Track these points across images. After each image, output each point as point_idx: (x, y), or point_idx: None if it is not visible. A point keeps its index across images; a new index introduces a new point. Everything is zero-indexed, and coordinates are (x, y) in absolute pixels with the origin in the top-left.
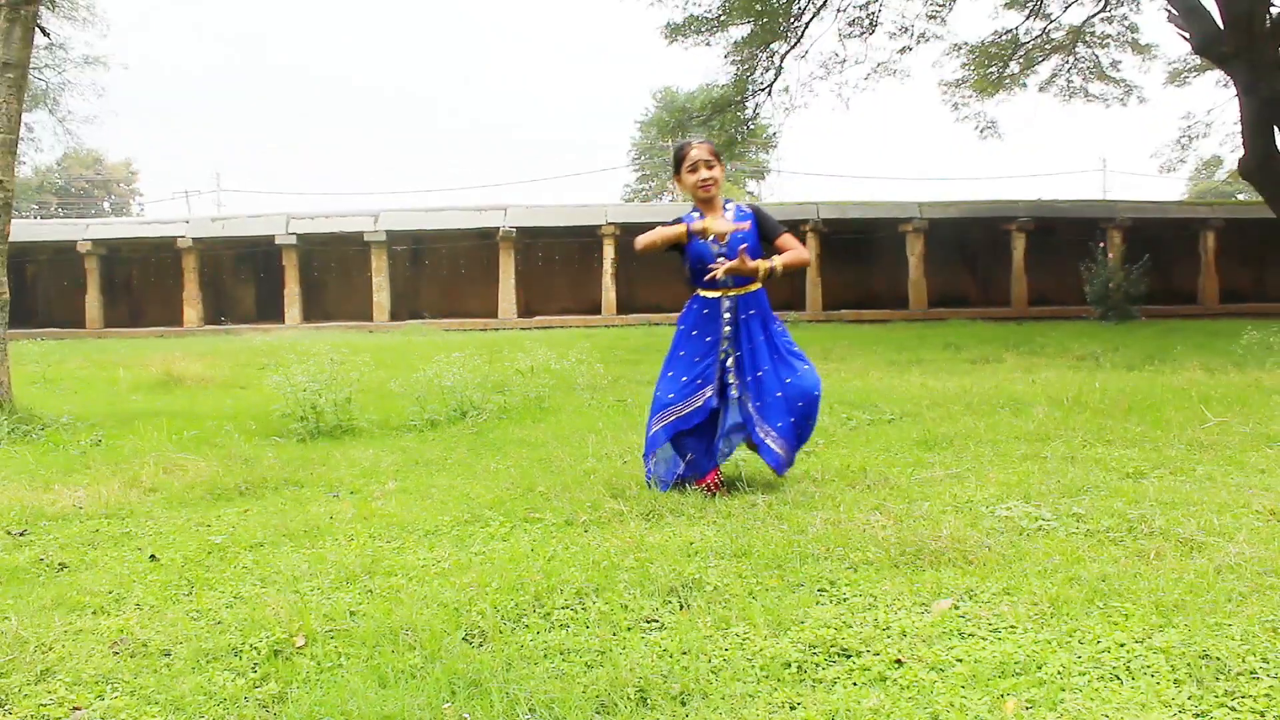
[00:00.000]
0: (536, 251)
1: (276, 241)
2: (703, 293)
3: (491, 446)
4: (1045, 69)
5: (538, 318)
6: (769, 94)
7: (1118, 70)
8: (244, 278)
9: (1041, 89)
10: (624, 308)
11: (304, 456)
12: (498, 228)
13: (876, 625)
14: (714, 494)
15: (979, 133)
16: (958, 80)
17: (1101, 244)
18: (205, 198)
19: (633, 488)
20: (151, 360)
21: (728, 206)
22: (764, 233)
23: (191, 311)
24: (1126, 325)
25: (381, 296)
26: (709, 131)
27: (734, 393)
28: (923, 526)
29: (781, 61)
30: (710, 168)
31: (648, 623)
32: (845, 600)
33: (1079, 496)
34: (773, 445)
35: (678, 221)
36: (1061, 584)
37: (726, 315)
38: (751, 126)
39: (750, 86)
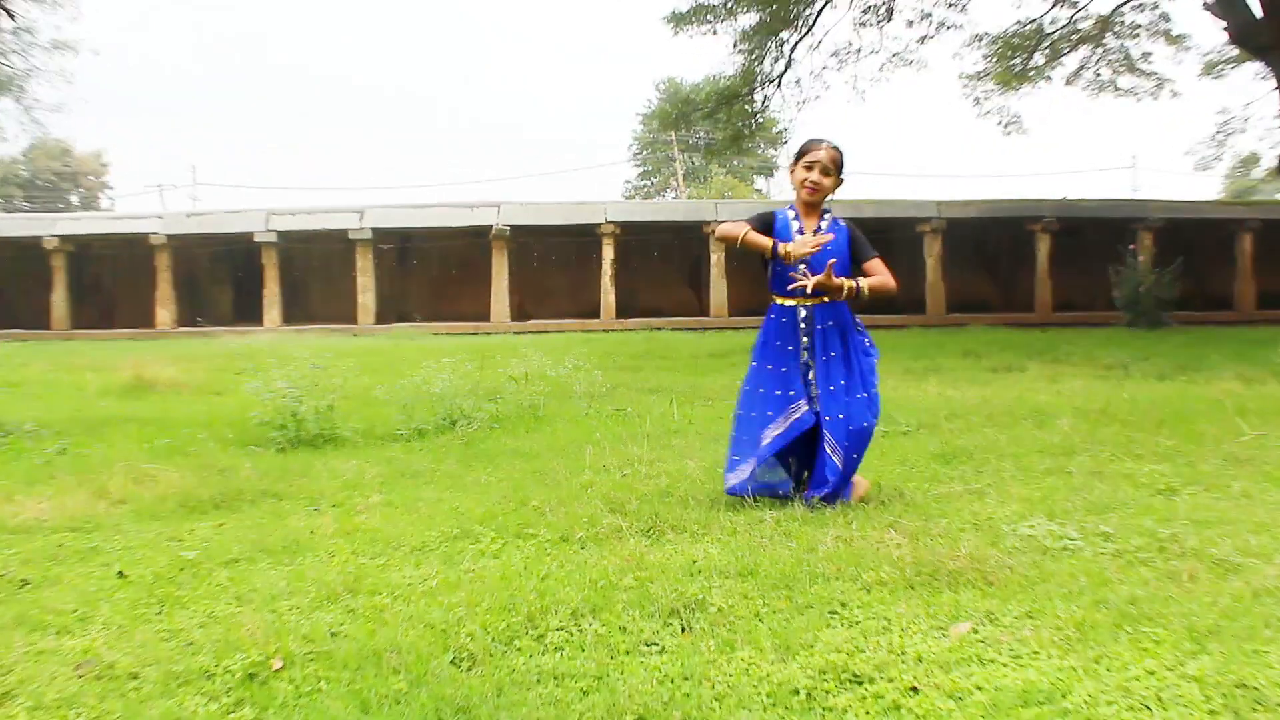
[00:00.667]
0: (531, 251)
1: (256, 239)
2: (780, 300)
3: (482, 457)
4: (1072, 61)
5: (532, 321)
6: (779, 85)
7: (1149, 62)
8: (221, 277)
9: (1068, 82)
10: (624, 311)
11: (283, 467)
12: (491, 226)
13: (891, 650)
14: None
15: (1002, 128)
16: (979, 73)
17: (1131, 246)
18: (180, 192)
19: (632, 502)
20: (122, 364)
21: (825, 217)
22: (855, 253)
23: (165, 312)
24: (1157, 332)
25: (367, 298)
26: (715, 124)
27: (816, 406)
28: (940, 545)
29: (792, 51)
30: (826, 174)
31: (647, 646)
32: (857, 623)
33: (1107, 514)
34: (836, 461)
35: (770, 220)
36: (1088, 607)
37: (803, 325)
38: (760, 120)
39: (759, 77)
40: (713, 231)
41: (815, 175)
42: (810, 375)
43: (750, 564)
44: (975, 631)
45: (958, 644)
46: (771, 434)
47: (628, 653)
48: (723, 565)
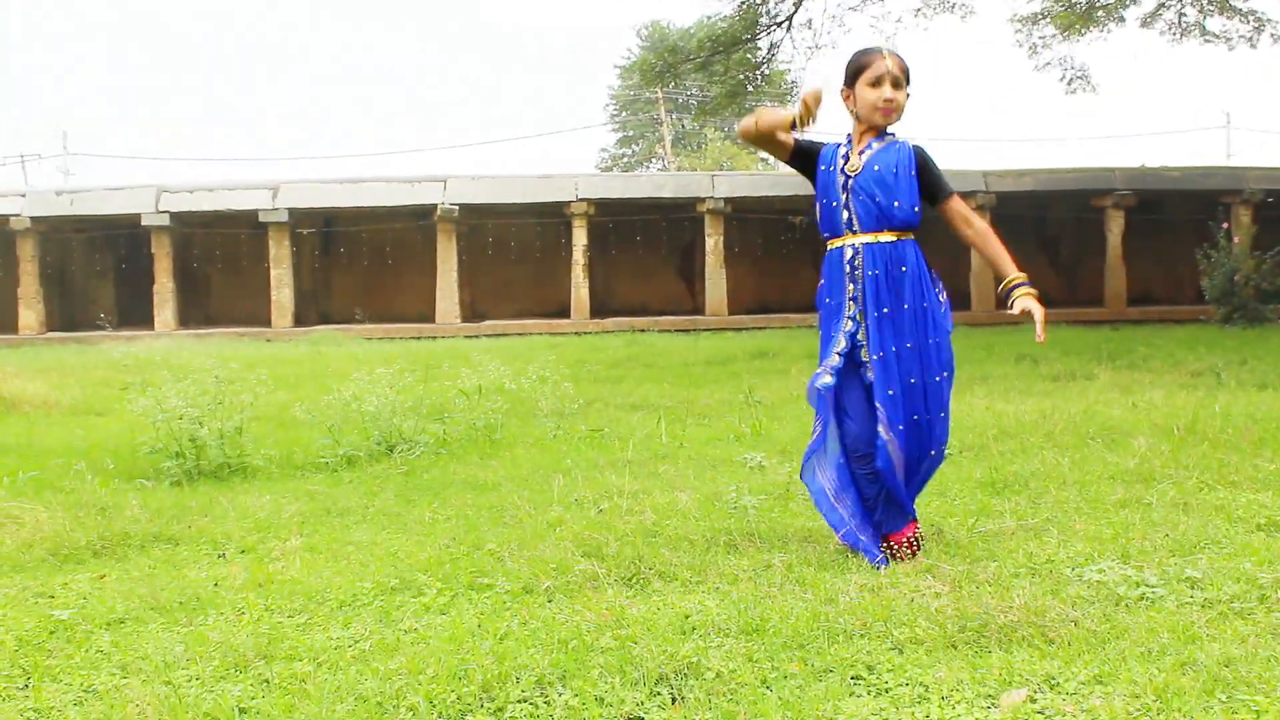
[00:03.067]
0: (486, 236)
1: (144, 222)
2: (829, 244)
3: (426, 490)
4: None
5: (487, 322)
6: (787, 29)
7: None
8: (100, 269)
9: (1144, 25)
10: (600, 310)
11: (179, 504)
12: (435, 205)
13: None
14: (898, 557)
15: (1065, 84)
16: (1035, 14)
17: (1225, 224)
18: (48, 164)
19: (611, 544)
20: None
21: (879, 139)
22: (926, 184)
23: (29, 314)
24: (1258, 330)
25: (282, 294)
26: (709, 78)
27: (869, 375)
28: (988, 594)
29: None
30: (898, 87)
31: None
32: (888, 690)
33: (1194, 555)
34: (893, 455)
35: (813, 150)
36: (1171, 670)
37: (847, 268)
38: (765, 71)
39: (763, 19)
40: (709, 211)
41: (887, 91)
42: (859, 335)
43: (755, 619)
44: (1032, 700)
45: (1011, 715)
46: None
47: None
48: (721, 621)
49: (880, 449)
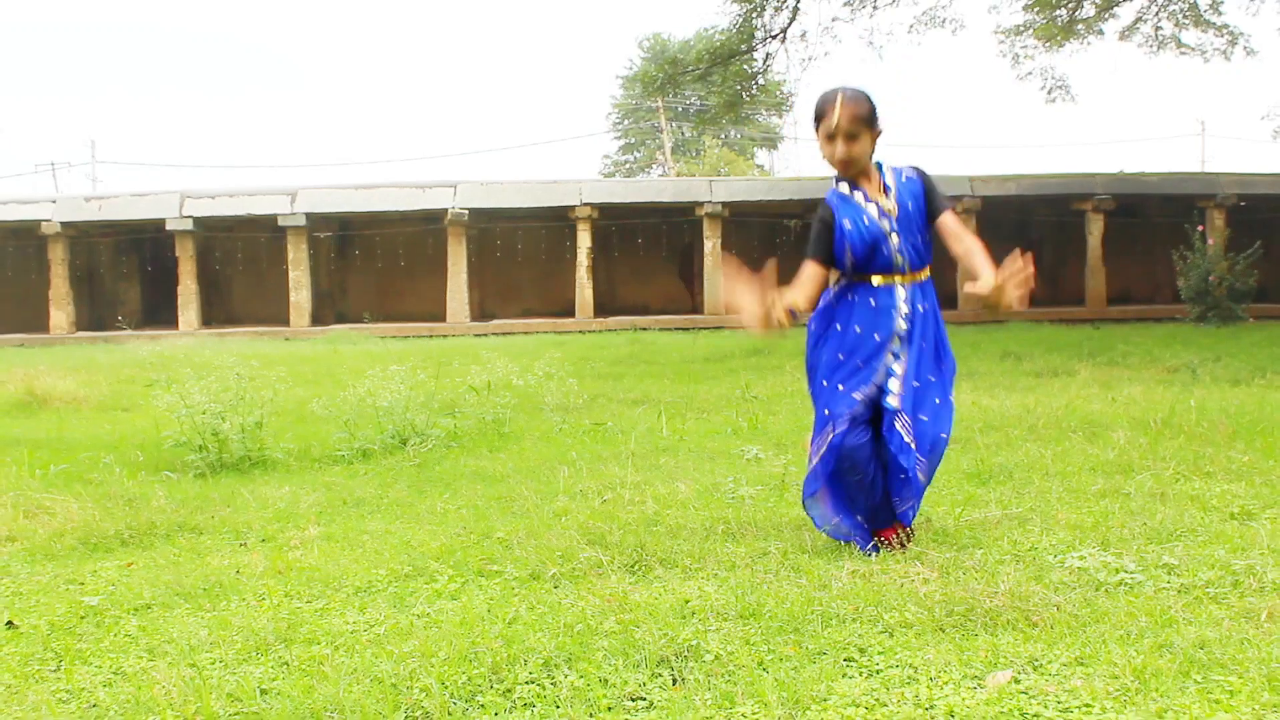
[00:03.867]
0: (494, 239)
1: (168, 226)
2: (870, 279)
3: (438, 482)
4: (1127, 12)
5: (495, 321)
6: (782, 41)
7: (1219, 13)
8: (127, 272)
9: (1122, 37)
10: (602, 309)
11: (203, 495)
12: (446, 209)
13: (918, 703)
14: (888, 547)
15: (1045, 93)
16: (1019, 26)
17: (1200, 227)
18: (77, 172)
19: (614, 532)
20: (9, 375)
21: (887, 173)
22: (930, 207)
23: (60, 314)
24: (1231, 328)
25: (300, 295)
26: (708, 88)
27: (893, 403)
28: (975, 580)
29: (798, 0)
30: (852, 139)
31: (632, 701)
32: (878, 672)
33: (1171, 543)
34: (920, 477)
35: (829, 220)
36: (1149, 652)
37: (904, 308)
38: (761, 82)
39: (759, 32)
40: (707, 214)
41: (840, 150)
42: (896, 368)
43: (753, 604)
44: (1016, 681)
45: (996, 696)
46: (812, 460)
47: (609, 709)
48: (720, 606)
49: (913, 480)
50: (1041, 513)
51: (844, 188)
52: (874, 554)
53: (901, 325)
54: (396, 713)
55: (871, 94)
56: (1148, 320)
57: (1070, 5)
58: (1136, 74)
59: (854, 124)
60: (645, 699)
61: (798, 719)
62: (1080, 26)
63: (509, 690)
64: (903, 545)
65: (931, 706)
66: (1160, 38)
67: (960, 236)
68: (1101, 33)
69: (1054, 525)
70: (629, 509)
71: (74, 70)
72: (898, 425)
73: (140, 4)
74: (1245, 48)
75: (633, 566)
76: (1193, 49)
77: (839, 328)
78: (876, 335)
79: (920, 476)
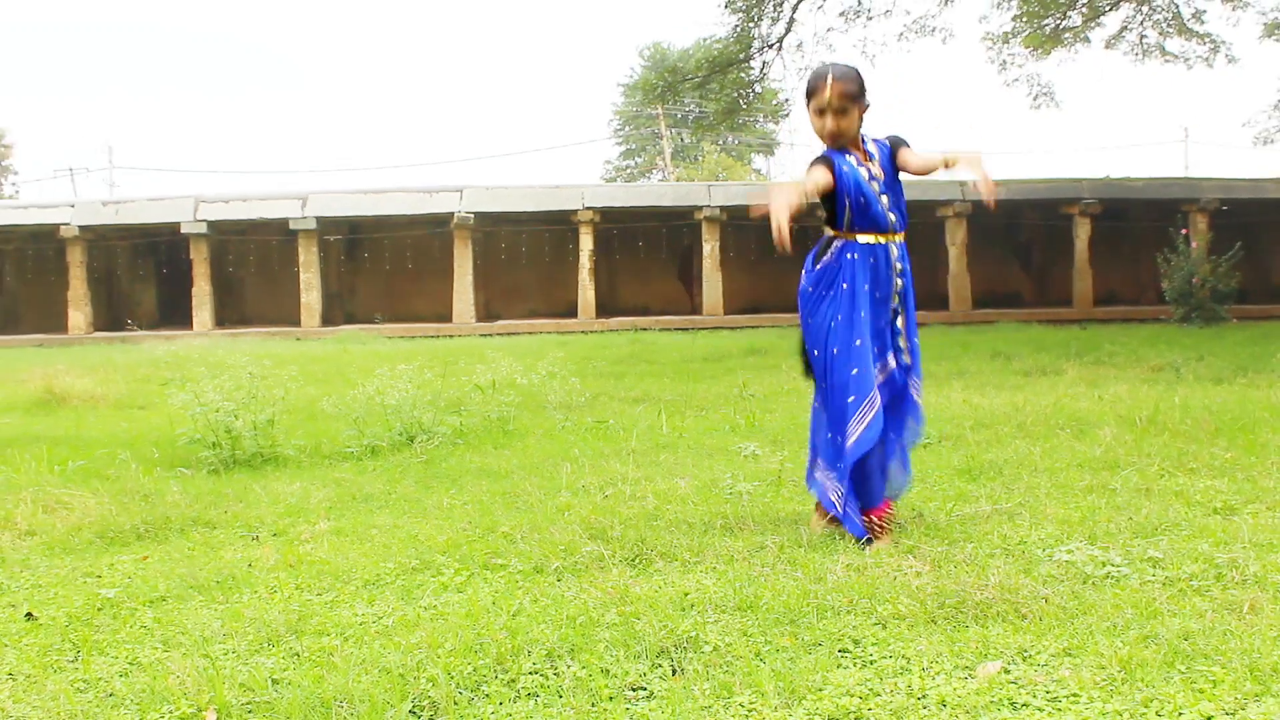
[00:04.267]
0: (499, 242)
1: (183, 230)
2: (864, 238)
3: (444, 478)
4: (1113, 21)
5: (500, 322)
6: (778, 50)
7: (1201, 22)
8: (143, 274)
9: (1108, 46)
10: (604, 310)
11: (216, 491)
12: (452, 213)
13: (910, 693)
14: (873, 539)
15: (1032, 99)
16: (1006, 34)
17: (1183, 230)
18: (95, 177)
19: (615, 527)
20: (28, 374)
21: (867, 142)
22: (896, 159)
23: (78, 315)
24: (1213, 328)
25: (311, 297)
26: (706, 96)
27: (906, 359)
28: (965, 573)
29: (794, 11)
30: (842, 114)
31: (633, 691)
32: (872, 663)
33: (1155, 537)
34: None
35: (831, 164)
36: (1135, 643)
37: (898, 265)
38: (758, 90)
39: (756, 41)
40: (706, 219)
41: (830, 123)
42: (900, 324)
43: (750, 596)
44: (1006, 671)
45: (986, 686)
46: (871, 412)
47: (611, 699)
48: (719, 598)
49: (914, 407)
50: (1030, 508)
51: (841, 154)
52: (867, 544)
53: (898, 283)
54: (404, 702)
55: (859, 70)
56: (1133, 321)
57: (1057, 14)
58: (1122, 81)
59: (843, 100)
60: (646, 689)
61: (794, 708)
62: (1067, 35)
63: (513, 680)
64: (888, 526)
65: (924, 696)
66: (1145, 46)
67: (915, 153)
68: (1088, 41)
69: (1042, 520)
70: (630, 504)
71: (85, 72)
72: (910, 386)
73: (140, 4)
74: (1227, 55)
75: (633, 560)
76: (1176, 57)
77: (845, 286)
78: (879, 293)
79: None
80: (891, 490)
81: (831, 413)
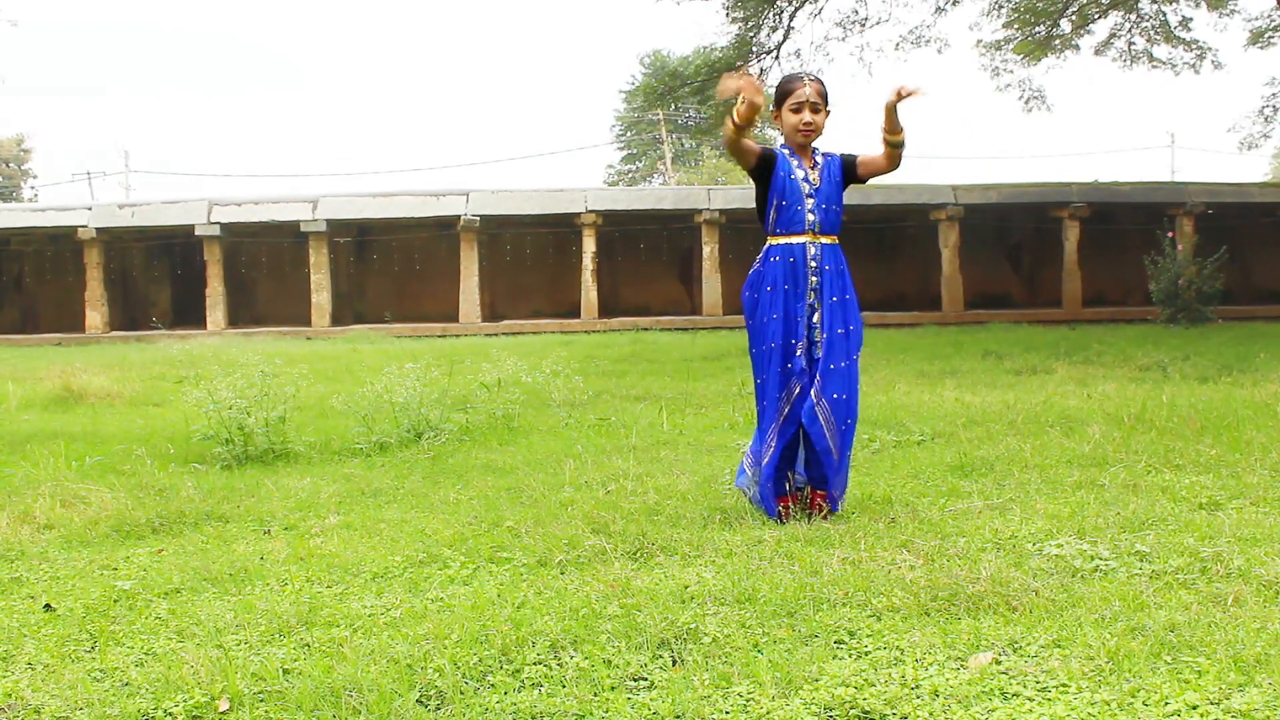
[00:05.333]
0: (504, 244)
1: (197, 232)
2: (784, 239)
3: (451, 473)
4: (1102, 28)
5: (505, 322)
6: (776, 57)
7: (1188, 30)
8: (158, 275)
9: (1097, 52)
10: (606, 310)
11: (229, 486)
12: (459, 216)
13: (904, 683)
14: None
15: (1023, 104)
16: (998, 41)
17: (1170, 233)
18: (111, 181)
19: (617, 521)
20: (47, 372)
21: (817, 154)
22: (849, 170)
23: (95, 315)
24: (1199, 329)
25: (321, 297)
26: (705, 101)
27: (818, 352)
28: (958, 567)
29: (791, 20)
30: (816, 111)
31: (634, 681)
32: (867, 654)
33: (1143, 531)
34: (825, 430)
35: (771, 157)
36: (1122, 635)
37: (813, 264)
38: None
39: (754, 49)
40: (706, 221)
41: (807, 115)
42: (815, 319)
43: (748, 589)
44: (997, 662)
45: (978, 676)
46: (772, 439)
47: (613, 688)
48: (718, 591)
49: (811, 415)
50: (1021, 503)
51: (785, 152)
52: (779, 520)
53: (813, 280)
54: (411, 692)
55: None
56: (1121, 321)
57: (1048, 22)
58: (1110, 87)
59: (820, 98)
60: (647, 679)
61: (790, 698)
62: (1057, 42)
63: (518, 671)
64: (805, 511)
65: (917, 686)
66: (1133, 52)
67: (870, 157)
68: (1078, 48)
69: (1033, 515)
70: (631, 499)
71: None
72: (814, 386)
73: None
74: (1214, 61)
75: (635, 554)
76: (1164, 63)
77: (769, 289)
78: (797, 288)
79: (830, 442)
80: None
81: (758, 411)
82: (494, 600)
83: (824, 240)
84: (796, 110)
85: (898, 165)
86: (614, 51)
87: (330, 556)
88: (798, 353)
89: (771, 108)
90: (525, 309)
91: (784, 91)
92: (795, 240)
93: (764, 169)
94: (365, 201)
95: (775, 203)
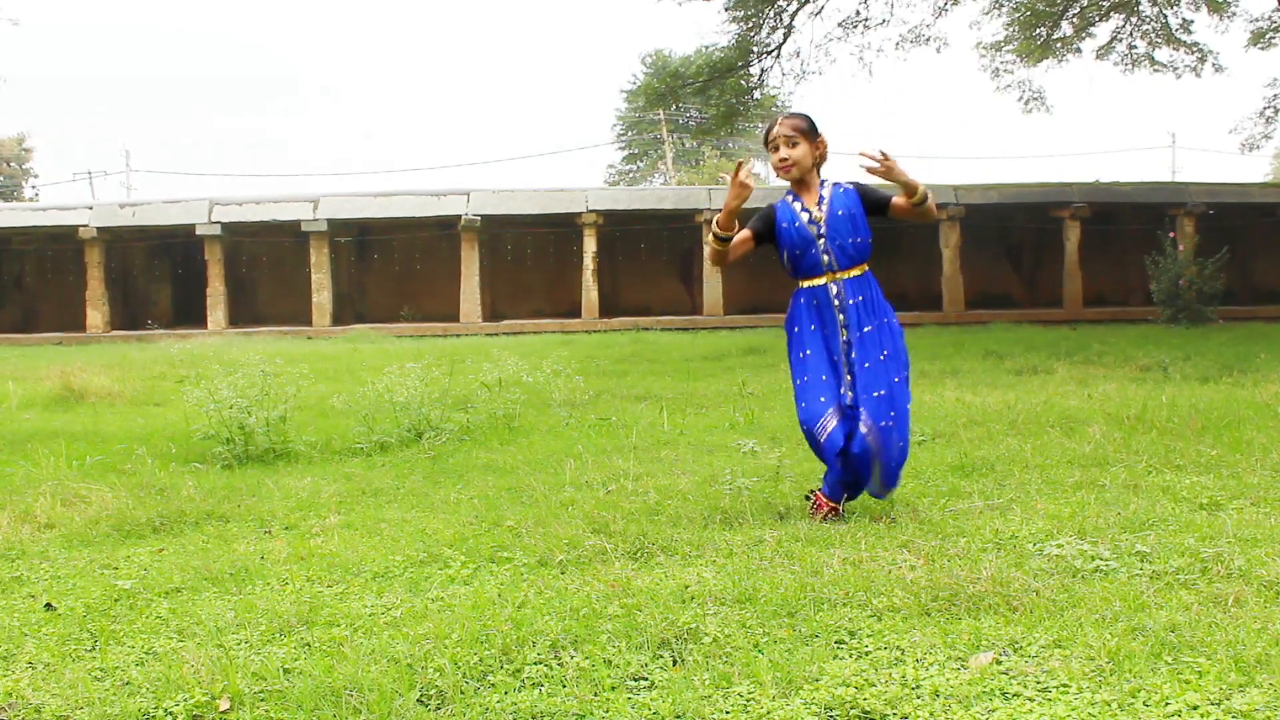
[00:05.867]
0: (505, 244)
1: (198, 232)
2: (808, 282)
3: (452, 473)
4: (1103, 32)
5: (506, 322)
6: (777, 57)
7: (1189, 32)
8: (159, 274)
9: (1099, 56)
10: (607, 310)
11: (230, 485)
12: (459, 216)
13: (904, 683)
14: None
15: (1023, 105)
16: (999, 42)
17: (1170, 233)
18: (112, 180)
19: (618, 521)
20: (47, 371)
21: (825, 185)
22: (870, 204)
23: (96, 314)
24: (1200, 329)
25: (322, 297)
26: (706, 101)
27: (848, 393)
28: (959, 567)
29: (792, 20)
30: (792, 145)
31: (635, 681)
32: (867, 654)
33: (1143, 532)
34: (873, 454)
35: (770, 217)
36: (1122, 635)
37: (836, 302)
38: (757, 96)
39: (755, 49)
40: (706, 221)
41: (781, 152)
42: (851, 354)
43: (749, 589)
44: (998, 662)
45: (979, 676)
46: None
47: (613, 688)
48: (718, 591)
49: (860, 439)
50: (1022, 503)
51: (789, 198)
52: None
53: (840, 317)
54: (412, 691)
55: (810, 115)
56: (1121, 321)
57: (1048, 24)
58: (1111, 88)
59: (794, 133)
60: (647, 679)
61: (791, 698)
62: (1058, 44)
63: (518, 670)
64: (830, 515)
65: (917, 686)
66: (1134, 56)
67: (900, 203)
68: (1079, 51)
69: (1033, 515)
70: (632, 499)
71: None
72: (861, 417)
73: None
74: (1214, 65)
75: (635, 554)
76: (1165, 66)
77: (797, 330)
78: (825, 330)
79: (872, 444)
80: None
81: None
82: (494, 600)
83: (844, 276)
84: (775, 150)
85: (920, 211)
86: (615, 51)
87: (331, 556)
88: (841, 389)
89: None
90: (526, 309)
91: (765, 138)
92: (817, 283)
93: (767, 234)
94: (366, 201)
95: (786, 254)
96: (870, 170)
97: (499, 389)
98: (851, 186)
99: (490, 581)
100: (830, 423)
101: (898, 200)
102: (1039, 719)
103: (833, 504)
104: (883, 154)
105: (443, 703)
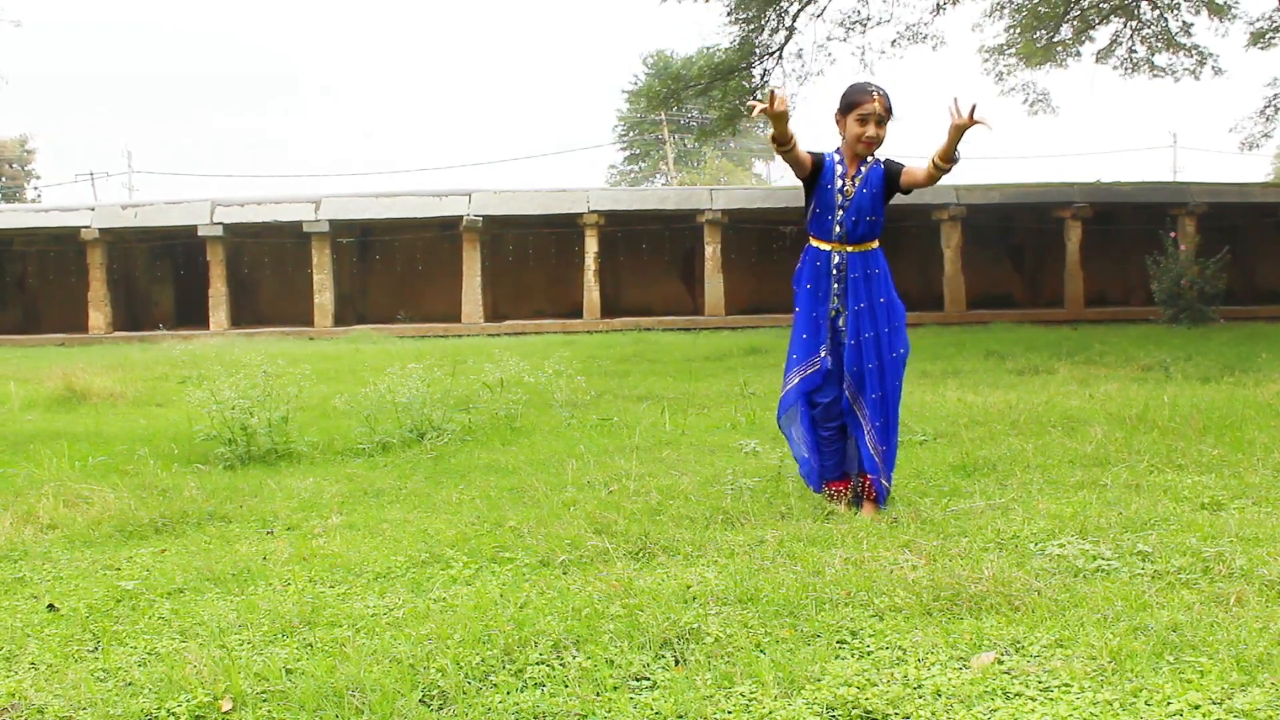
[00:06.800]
0: (506, 244)
1: (200, 233)
2: (816, 243)
3: (453, 474)
4: (1103, 35)
5: (508, 322)
6: (779, 58)
7: (1189, 35)
8: (161, 275)
9: (1099, 59)
10: (609, 310)
11: (232, 486)
12: (461, 216)
13: (906, 683)
14: (842, 503)
15: (1028, 106)
16: (1000, 46)
17: (1172, 233)
18: (114, 181)
19: (619, 521)
20: (50, 372)
21: (867, 161)
22: (890, 184)
23: (98, 315)
24: (1201, 329)
25: (324, 297)
26: (708, 103)
27: (846, 354)
28: (960, 567)
29: (794, 21)
30: (881, 126)
31: (637, 681)
32: (869, 654)
33: (1145, 531)
34: (864, 428)
35: (820, 160)
36: (1124, 634)
37: (835, 271)
38: (759, 97)
39: (757, 50)
40: (708, 222)
41: (872, 130)
42: (841, 323)
43: (750, 589)
44: (999, 662)
45: (980, 676)
46: (796, 377)
47: (615, 688)
48: (720, 590)
49: (850, 414)
50: (1023, 503)
51: (836, 157)
52: (828, 497)
53: (835, 286)
54: (414, 691)
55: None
56: (1123, 321)
57: (1049, 28)
58: (1112, 89)
59: (885, 112)
60: (649, 679)
61: (793, 698)
62: (1059, 48)
63: (520, 670)
64: (853, 500)
65: (919, 686)
66: (1134, 60)
67: (915, 171)
68: (1079, 54)
69: (1035, 515)
70: (634, 499)
71: (112, 82)
72: (845, 385)
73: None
74: (1214, 67)
75: (637, 554)
76: (1165, 70)
77: (808, 286)
78: (820, 291)
79: (869, 437)
80: (846, 467)
81: (785, 369)
82: (497, 600)
83: (851, 249)
84: (862, 122)
85: (935, 183)
86: (617, 51)
87: (333, 556)
88: (822, 352)
89: (837, 112)
90: (528, 309)
91: (851, 101)
92: (823, 246)
93: (814, 177)
94: (368, 202)
95: (812, 208)
96: (954, 117)
97: (501, 389)
98: (880, 165)
99: (492, 582)
100: (795, 378)
101: (916, 171)
102: (1041, 718)
103: (839, 484)
104: (972, 112)
105: (445, 703)
